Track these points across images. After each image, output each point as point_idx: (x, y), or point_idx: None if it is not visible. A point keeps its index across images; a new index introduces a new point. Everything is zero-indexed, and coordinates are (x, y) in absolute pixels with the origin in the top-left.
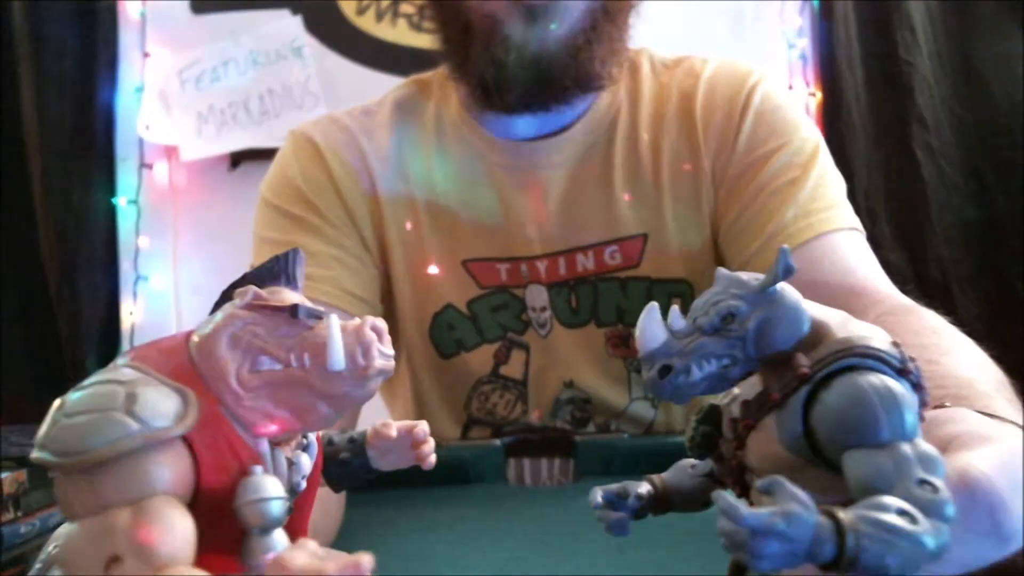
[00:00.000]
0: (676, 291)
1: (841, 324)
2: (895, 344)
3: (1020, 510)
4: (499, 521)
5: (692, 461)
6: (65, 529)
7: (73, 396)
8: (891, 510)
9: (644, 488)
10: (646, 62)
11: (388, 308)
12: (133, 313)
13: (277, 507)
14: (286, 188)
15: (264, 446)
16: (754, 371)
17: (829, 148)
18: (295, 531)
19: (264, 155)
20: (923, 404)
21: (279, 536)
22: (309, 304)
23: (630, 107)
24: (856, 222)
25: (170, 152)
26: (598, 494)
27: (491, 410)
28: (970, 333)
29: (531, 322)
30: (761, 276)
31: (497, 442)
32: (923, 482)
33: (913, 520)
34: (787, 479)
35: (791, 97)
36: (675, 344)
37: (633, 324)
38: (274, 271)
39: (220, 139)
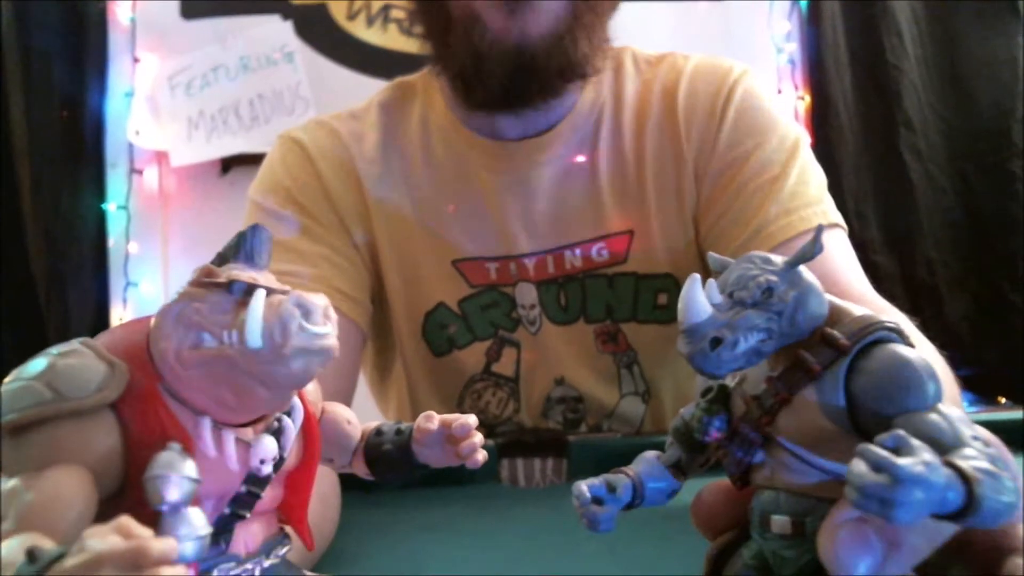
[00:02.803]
0: (662, 286)
1: (851, 306)
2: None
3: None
4: (492, 521)
5: (657, 453)
6: None
7: (25, 365)
8: (984, 458)
9: (625, 481)
10: (629, 60)
11: (381, 308)
12: (123, 319)
13: (179, 486)
14: (274, 190)
15: (203, 426)
16: (781, 347)
17: (817, 152)
18: (289, 515)
19: (255, 160)
20: None
21: (189, 518)
22: (248, 280)
23: (614, 105)
24: (837, 217)
25: (160, 157)
26: (584, 489)
27: (483, 408)
28: (957, 333)
29: (521, 320)
30: (778, 257)
31: (490, 442)
32: (975, 437)
33: (1001, 468)
34: (824, 449)
35: (772, 93)
36: (719, 317)
37: (621, 320)
38: (237, 249)
39: (210, 144)
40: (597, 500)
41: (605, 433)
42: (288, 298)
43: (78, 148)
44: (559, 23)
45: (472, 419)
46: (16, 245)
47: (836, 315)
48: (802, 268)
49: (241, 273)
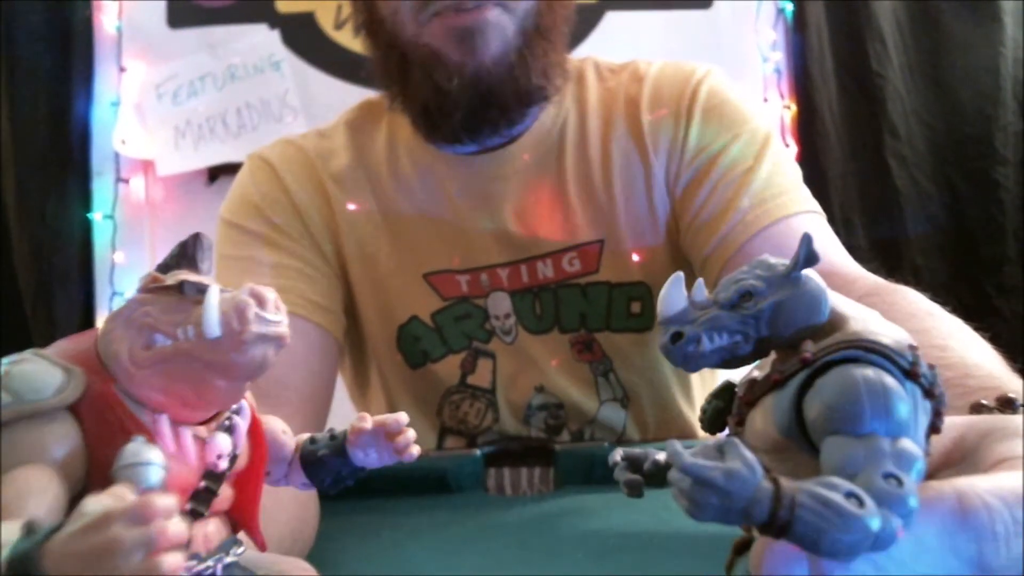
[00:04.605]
0: (635, 294)
1: (861, 319)
2: (912, 347)
3: (1018, 549)
4: (480, 530)
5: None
6: None
7: None
8: (839, 490)
9: (663, 455)
10: (591, 70)
11: (353, 320)
12: None
13: (152, 472)
14: (243, 206)
15: (161, 423)
16: (765, 352)
17: (803, 161)
18: (241, 517)
19: None
20: (937, 412)
21: None
22: (196, 280)
23: (578, 114)
24: (814, 205)
25: (146, 167)
26: (619, 454)
27: (462, 419)
28: None
29: (495, 331)
30: (782, 262)
31: (477, 452)
32: (889, 476)
33: (860, 504)
34: (775, 459)
35: (738, 89)
36: (692, 314)
37: (594, 329)
38: (180, 257)
39: (197, 153)
40: (634, 466)
41: (591, 441)
42: (243, 288)
43: (64, 157)
44: (509, 50)
45: (403, 416)
46: (1, 254)
47: (835, 326)
48: (805, 275)
49: (189, 276)
